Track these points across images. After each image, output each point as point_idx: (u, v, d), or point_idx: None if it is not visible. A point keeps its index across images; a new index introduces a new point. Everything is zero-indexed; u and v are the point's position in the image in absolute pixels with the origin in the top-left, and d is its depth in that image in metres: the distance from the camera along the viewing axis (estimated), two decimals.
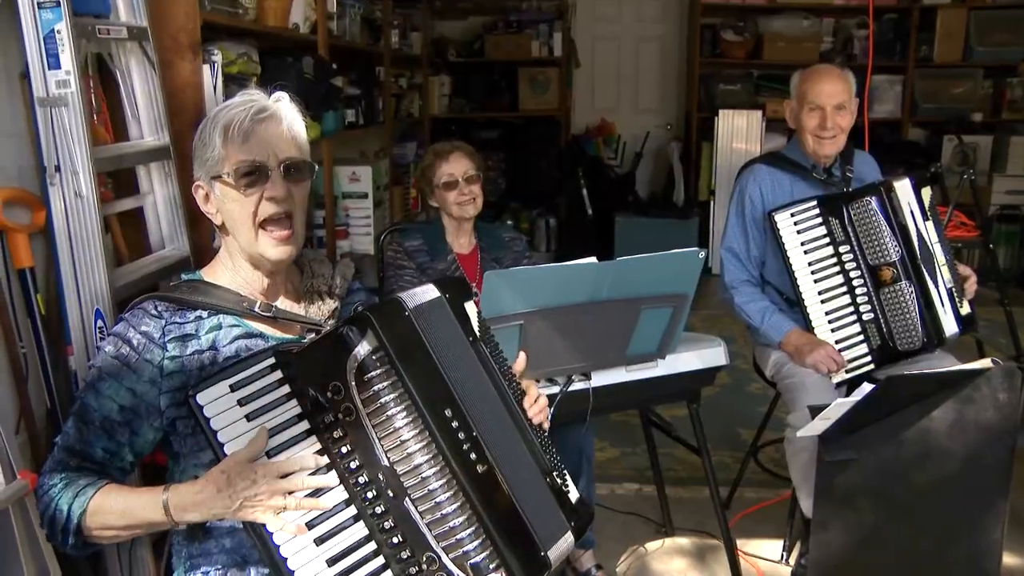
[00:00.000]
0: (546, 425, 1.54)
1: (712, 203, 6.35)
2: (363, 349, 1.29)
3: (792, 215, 2.50)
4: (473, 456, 1.33)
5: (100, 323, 2.12)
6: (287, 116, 1.50)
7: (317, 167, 1.58)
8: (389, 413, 1.30)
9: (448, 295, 1.45)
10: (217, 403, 1.31)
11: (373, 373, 1.29)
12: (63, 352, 2.17)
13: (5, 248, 2.08)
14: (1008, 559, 2.44)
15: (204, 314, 1.48)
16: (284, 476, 1.29)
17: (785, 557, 2.72)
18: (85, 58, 2.24)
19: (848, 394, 2.50)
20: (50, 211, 2.07)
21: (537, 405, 1.53)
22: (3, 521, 1.75)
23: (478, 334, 1.49)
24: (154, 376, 1.42)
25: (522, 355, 1.61)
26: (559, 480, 1.50)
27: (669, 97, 7.15)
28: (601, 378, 2.15)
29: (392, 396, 1.30)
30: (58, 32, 1.99)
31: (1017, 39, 6.13)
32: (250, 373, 1.33)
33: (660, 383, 2.26)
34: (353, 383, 1.29)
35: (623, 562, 2.75)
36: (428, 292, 1.42)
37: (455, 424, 1.33)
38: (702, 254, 2.05)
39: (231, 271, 1.54)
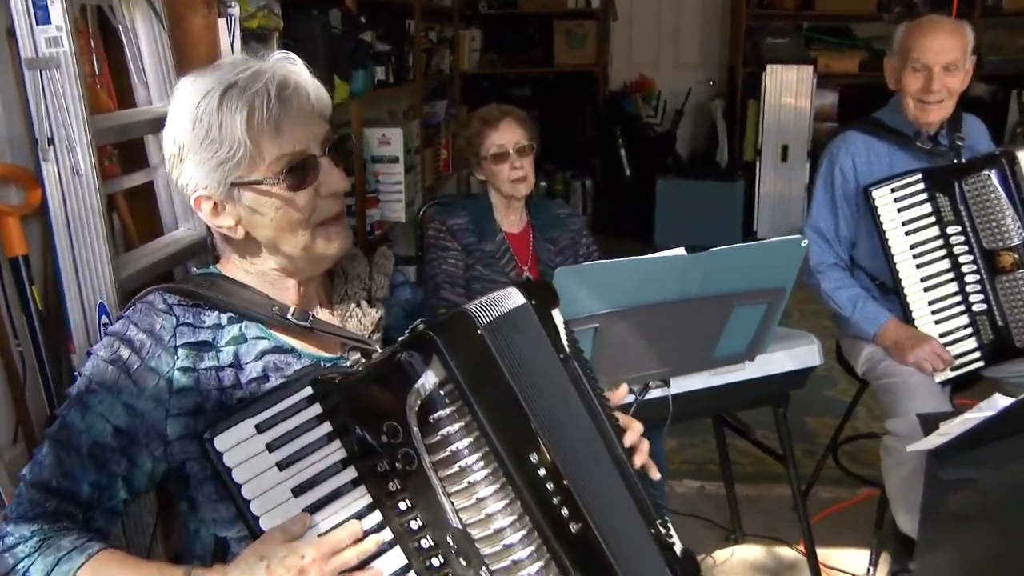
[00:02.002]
0: (654, 475, 1.25)
1: (758, 164, 6.02)
2: (428, 381, 1.01)
3: (892, 190, 2.18)
4: (565, 512, 1.05)
5: (105, 319, 1.85)
6: (308, 82, 1.17)
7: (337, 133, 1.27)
8: (462, 463, 1.02)
9: (534, 301, 1.15)
10: (240, 449, 1.04)
11: (441, 413, 1.01)
12: (64, 350, 1.92)
13: None
14: None
15: (224, 319, 1.18)
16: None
17: (872, 572, 2.44)
18: (82, 11, 1.95)
19: (952, 393, 2.21)
20: (45, 190, 1.79)
21: (641, 451, 1.24)
22: None
23: (568, 350, 1.20)
24: (159, 391, 1.12)
25: (623, 387, 1.31)
26: (664, 530, 1.23)
27: (712, 51, 6.77)
28: (681, 384, 1.86)
29: (466, 442, 1.02)
30: None
31: None
32: (281, 409, 1.06)
33: (746, 387, 1.97)
34: (415, 424, 1.01)
35: None
36: (510, 298, 1.12)
37: (543, 472, 1.05)
38: (804, 242, 1.74)
39: (252, 273, 1.23)
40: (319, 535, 1.04)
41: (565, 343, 1.21)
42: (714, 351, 1.83)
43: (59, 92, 1.73)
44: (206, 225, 1.22)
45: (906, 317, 2.21)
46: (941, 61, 2.16)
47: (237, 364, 1.16)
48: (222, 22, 2.23)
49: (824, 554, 2.47)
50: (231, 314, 1.18)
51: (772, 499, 2.82)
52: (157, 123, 2.02)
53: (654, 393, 1.84)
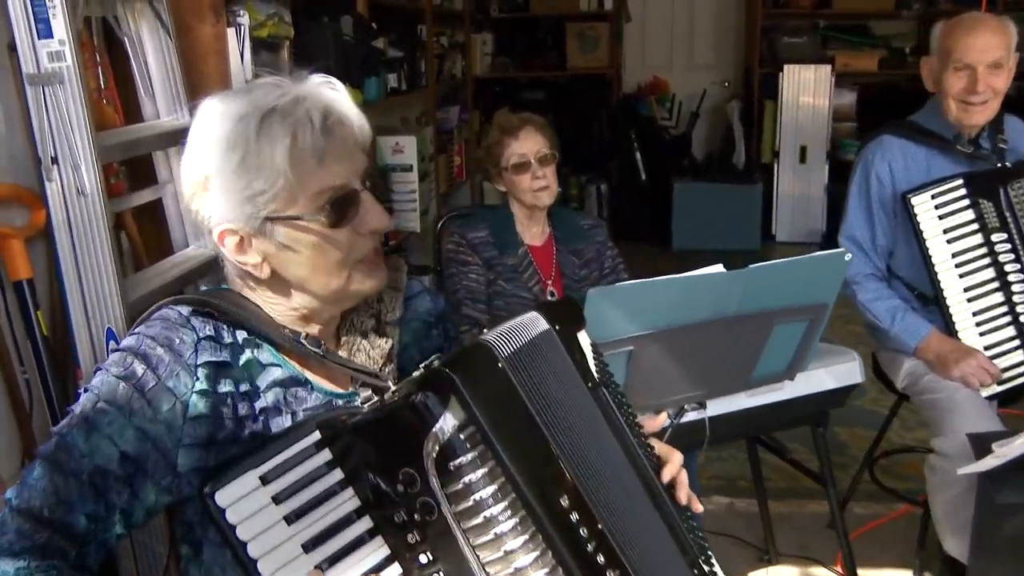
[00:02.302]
0: (696, 508, 1.16)
1: (776, 165, 5.93)
2: (447, 425, 0.91)
3: (933, 197, 2.08)
4: (602, 559, 0.96)
5: (113, 344, 1.77)
6: (352, 111, 1.07)
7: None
8: (487, 514, 0.92)
9: (559, 325, 1.05)
10: (244, 503, 0.95)
11: (463, 459, 0.91)
12: (71, 378, 1.84)
13: None
14: None
15: (239, 337, 1.07)
16: None
17: None
18: (87, 22, 1.87)
19: (999, 407, 2.11)
20: (49, 211, 1.71)
21: (681, 484, 1.15)
22: None
23: (597, 377, 1.11)
24: (174, 415, 1.01)
25: (663, 415, 1.22)
26: (706, 568, 1.13)
27: (727, 52, 6.68)
28: (717, 405, 1.77)
29: (490, 490, 0.92)
30: None
31: None
32: (288, 456, 0.97)
33: (785, 407, 1.88)
34: (434, 472, 0.91)
35: None
36: (532, 324, 1.03)
37: (575, 517, 0.95)
38: (848, 256, 1.65)
39: (270, 300, 1.12)
40: None
41: (594, 369, 1.11)
42: (753, 371, 1.74)
43: (62, 108, 1.66)
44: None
45: (949, 329, 2.11)
46: (986, 60, 2.06)
47: (253, 392, 1.06)
48: (231, 32, 2.16)
49: (863, 575, 2.38)
50: (245, 334, 1.08)
51: (805, 516, 2.72)
52: (165, 138, 1.96)
53: (689, 416, 1.75)
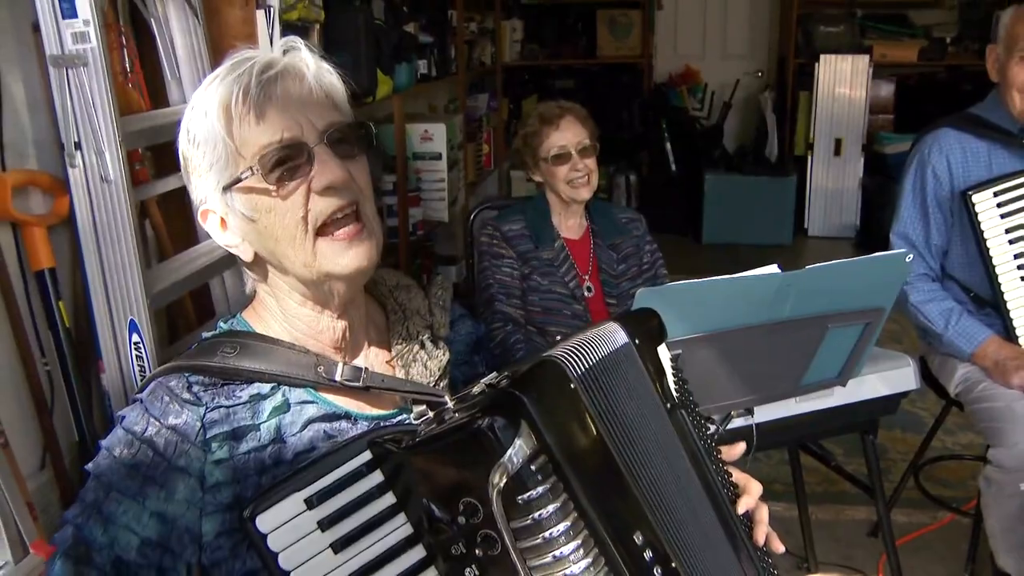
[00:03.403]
0: (777, 547, 1.07)
1: (809, 158, 5.81)
2: (517, 455, 0.81)
3: (995, 194, 1.98)
4: None
5: (136, 337, 1.71)
6: (309, 66, 0.99)
7: (375, 129, 1.06)
8: (556, 553, 0.83)
9: (638, 339, 0.97)
10: (287, 529, 0.87)
11: (532, 493, 0.82)
12: (94, 370, 1.78)
13: (19, 245, 1.67)
14: None
15: (264, 389, 1.00)
16: None
17: None
18: (112, 3, 1.81)
19: None
20: (72, 198, 1.65)
21: (761, 521, 1.06)
22: None
23: (677, 397, 1.02)
24: (191, 492, 0.95)
25: (741, 445, 1.14)
26: None
27: (761, 41, 6.55)
28: (765, 412, 1.68)
29: (562, 527, 0.83)
30: None
31: None
32: (336, 479, 0.90)
33: (834, 414, 1.80)
34: (498, 503, 0.82)
35: None
36: (609, 337, 0.94)
37: (649, 555, 0.87)
38: (910, 257, 1.55)
39: (284, 322, 1.05)
40: None
41: (673, 388, 1.03)
42: (804, 376, 1.65)
43: (86, 92, 1.59)
44: None
45: (1009, 334, 2.01)
46: None
47: (280, 439, 0.99)
48: (260, 14, 2.09)
49: None
50: (271, 382, 1.00)
51: (845, 523, 2.64)
52: None
53: (736, 423, 1.66)
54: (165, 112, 1.87)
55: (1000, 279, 1.98)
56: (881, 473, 2.03)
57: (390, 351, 1.10)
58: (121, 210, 1.64)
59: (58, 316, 1.71)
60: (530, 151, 2.17)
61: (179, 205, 2.00)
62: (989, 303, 2.05)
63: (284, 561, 0.87)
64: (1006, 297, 1.99)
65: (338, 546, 0.88)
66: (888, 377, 1.84)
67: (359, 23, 2.56)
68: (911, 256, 1.57)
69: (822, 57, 5.68)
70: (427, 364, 1.08)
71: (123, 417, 0.98)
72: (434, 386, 1.07)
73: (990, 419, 1.98)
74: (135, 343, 1.71)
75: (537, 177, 2.21)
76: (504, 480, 0.81)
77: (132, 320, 1.70)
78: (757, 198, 5.73)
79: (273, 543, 0.87)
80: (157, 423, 0.96)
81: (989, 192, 1.98)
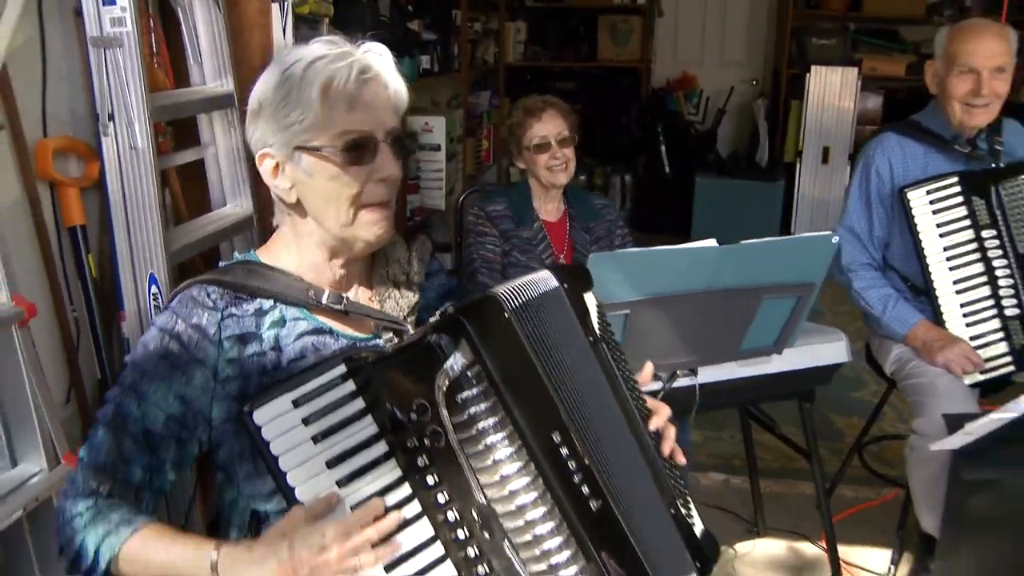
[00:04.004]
0: (680, 460, 1.29)
1: (798, 165, 5.98)
2: (456, 363, 1.06)
3: (928, 192, 2.20)
4: (586, 490, 1.09)
5: (154, 289, 1.93)
6: (392, 76, 1.22)
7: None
8: (487, 441, 1.06)
9: (567, 285, 1.19)
10: (278, 422, 1.09)
11: (468, 393, 1.06)
12: (115, 318, 2.00)
13: (55, 203, 1.90)
14: None
15: (265, 305, 1.23)
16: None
17: (893, 571, 2.45)
18: None
19: (982, 397, 2.22)
20: (103, 164, 1.87)
21: (667, 437, 1.28)
22: (46, 514, 1.58)
23: (599, 333, 1.24)
24: (206, 380, 1.19)
25: (649, 366, 1.35)
26: (684, 511, 1.26)
27: (757, 51, 6.73)
28: (709, 373, 1.90)
29: (491, 421, 1.06)
30: None
31: None
32: (317, 384, 1.11)
33: (773, 380, 2.00)
34: (443, 403, 1.06)
35: None
36: (542, 282, 1.16)
37: (565, 452, 1.09)
38: (835, 239, 1.77)
39: (295, 255, 1.28)
40: (351, 507, 1.09)
41: (596, 326, 1.24)
42: (742, 343, 1.87)
43: (121, 70, 1.81)
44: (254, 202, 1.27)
45: (937, 319, 2.22)
46: (990, 65, 2.17)
47: (278, 347, 1.21)
48: (275, 7, 2.30)
49: (846, 551, 2.50)
50: (271, 299, 1.23)
51: (796, 495, 2.85)
52: (210, 102, 2.11)
53: (682, 382, 1.88)
54: (187, 91, 2.09)
55: (931, 269, 2.20)
56: (826, 448, 2.24)
57: (371, 289, 1.33)
58: (147, 175, 1.86)
59: (87, 268, 1.94)
60: (514, 140, 2.39)
61: (196, 176, 2.22)
62: (923, 291, 2.26)
63: (275, 448, 1.09)
64: (935, 286, 2.20)
65: (318, 438, 1.10)
66: (822, 349, 2.05)
67: (365, 18, 2.79)
68: (836, 238, 1.79)
69: (813, 68, 5.84)
70: (399, 301, 1.31)
71: (155, 321, 1.22)
72: (404, 320, 1.29)
73: (916, 393, 2.20)
74: (153, 294, 1.93)
75: (520, 164, 2.43)
76: (447, 383, 1.05)
77: (152, 274, 1.92)
78: (746, 202, 5.92)
79: (266, 433, 1.09)
80: (183, 322, 1.19)
81: (923, 190, 2.19)
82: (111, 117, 1.84)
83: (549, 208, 2.44)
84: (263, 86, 1.21)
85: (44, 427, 1.59)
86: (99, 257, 1.99)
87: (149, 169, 1.85)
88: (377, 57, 1.22)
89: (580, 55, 6.40)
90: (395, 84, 1.23)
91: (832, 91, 5.88)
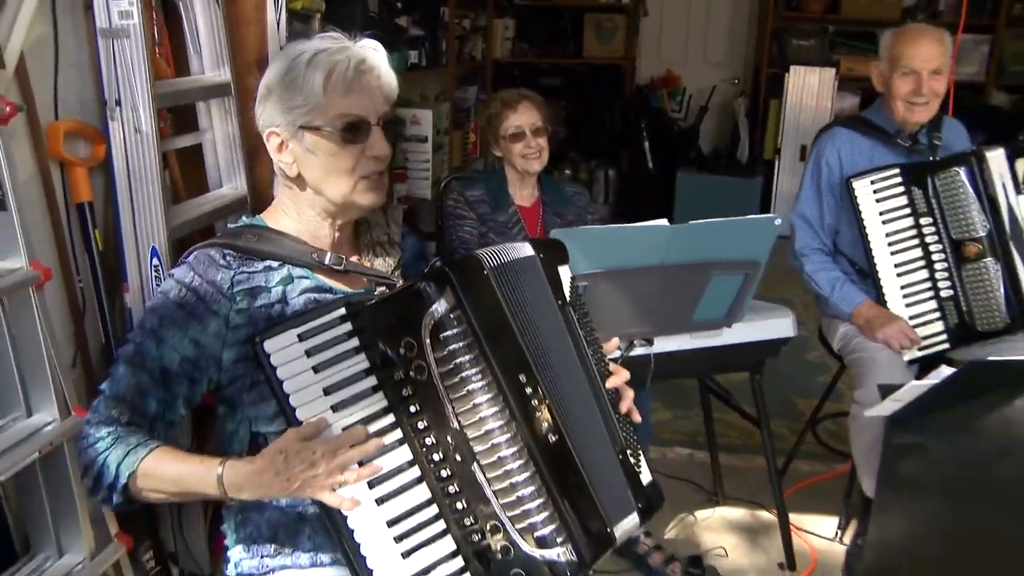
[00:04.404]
0: (636, 418, 1.47)
1: (777, 162, 6.18)
2: (440, 307, 1.25)
3: (872, 183, 2.38)
4: (545, 426, 1.28)
5: (156, 261, 2.09)
6: (385, 67, 1.42)
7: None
8: (463, 375, 1.25)
9: (543, 255, 1.39)
10: (284, 352, 1.26)
11: (449, 332, 1.25)
12: (119, 289, 2.16)
13: (65, 182, 2.06)
14: None
15: (273, 264, 1.41)
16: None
17: (839, 535, 2.64)
18: None
19: (920, 373, 2.40)
20: (110, 146, 2.03)
21: (625, 397, 1.46)
22: (58, 458, 1.75)
23: (568, 299, 1.42)
24: (219, 329, 1.36)
25: (614, 340, 1.53)
26: (632, 460, 1.43)
27: (738, 50, 6.93)
28: (664, 344, 2.08)
29: (468, 357, 1.25)
30: None
31: None
32: (319, 323, 1.28)
33: (724, 352, 2.18)
34: (428, 341, 1.25)
35: (671, 529, 2.70)
36: (521, 249, 1.36)
37: (529, 391, 1.27)
38: (778, 221, 1.95)
39: (295, 221, 1.46)
40: (343, 429, 1.26)
41: (567, 292, 1.43)
42: (694, 315, 2.04)
43: (128, 59, 1.97)
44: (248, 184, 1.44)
45: (880, 300, 2.40)
46: (929, 67, 2.35)
47: (284, 300, 1.39)
48: (270, 3, 2.46)
49: (798, 519, 2.68)
50: (279, 261, 1.41)
51: (755, 468, 3.02)
52: (209, 91, 2.28)
53: (639, 350, 2.05)
54: (188, 80, 2.25)
55: (874, 253, 2.38)
56: (767, 409, 2.41)
57: (359, 251, 1.51)
58: (150, 156, 2.02)
59: (93, 242, 2.10)
60: (492, 130, 2.57)
61: (193, 160, 2.38)
62: (868, 275, 2.45)
63: (280, 373, 1.25)
64: (878, 269, 2.38)
65: (318, 368, 1.27)
66: (769, 324, 2.23)
67: (355, 14, 2.95)
68: (779, 220, 1.97)
69: (792, 68, 6.02)
70: (386, 259, 1.51)
71: (172, 273, 1.40)
72: (392, 275, 1.47)
73: (858, 367, 2.38)
74: (155, 266, 2.09)
75: (498, 152, 2.60)
76: (432, 323, 1.24)
77: (154, 247, 2.08)
78: (726, 197, 6.09)
79: (274, 360, 1.25)
80: (200, 277, 1.37)
81: (867, 180, 2.37)
82: (118, 102, 2.00)
83: (524, 194, 2.61)
84: (272, 73, 1.40)
85: (57, 381, 1.75)
86: (104, 232, 2.14)
87: (152, 151, 2.01)
88: (372, 51, 1.41)
89: (566, 52, 6.57)
90: (387, 75, 1.42)
91: (810, 91, 6.06)
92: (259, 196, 2.46)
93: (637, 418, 1.49)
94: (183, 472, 1.30)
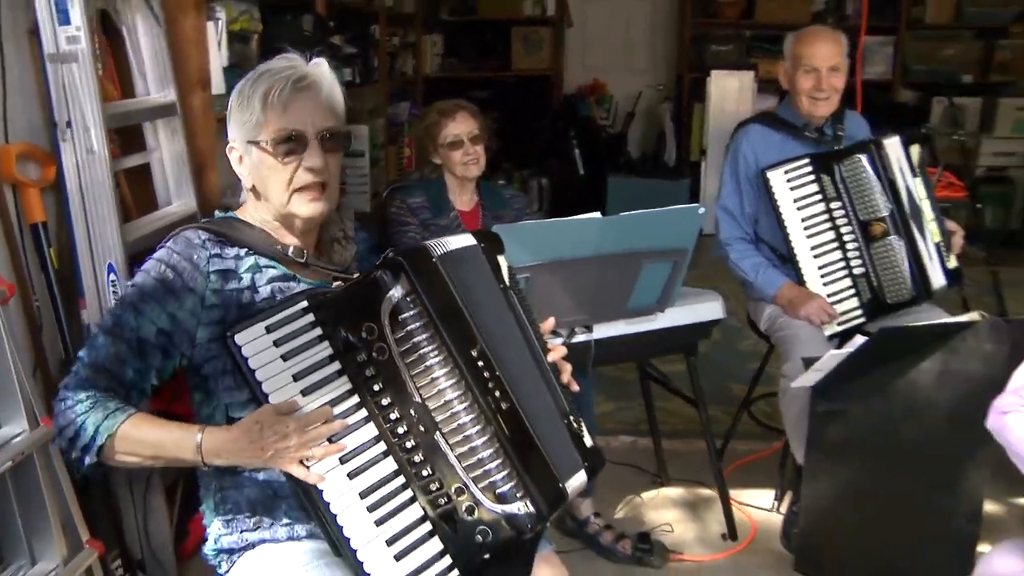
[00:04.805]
0: (574, 387, 1.60)
1: (703, 163, 6.39)
2: (397, 292, 1.37)
3: (785, 172, 2.56)
4: (497, 394, 1.41)
5: (112, 277, 2.16)
6: (326, 84, 1.51)
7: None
8: (421, 352, 1.38)
9: (483, 245, 1.52)
10: (255, 343, 1.36)
11: (407, 314, 1.37)
12: (75, 304, 2.22)
13: (18, 203, 2.11)
14: (989, 506, 2.54)
15: (242, 252, 1.50)
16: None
17: (776, 506, 2.81)
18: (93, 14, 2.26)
19: (840, 346, 2.59)
20: (62, 166, 2.10)
21: (564, 369, 1.59)
22: (28, 467, 1.81)
23: (508, 284, 1.55)
24: (195, 306, 1.44)
25: (551, 319, 1.66)
26: (575, 425, 1.56)
27: (661, 57, 7.15)
28: (603, 330, 2.22)
29: (424, 336, 1.38)
30: None
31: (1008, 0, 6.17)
32: (284, 316, 1.38)
33: (659, 336, 2.33)
34: (387, 324, 1.37)
35: (620, 510, 2.84)
36: (464, 240, 1.50)
37: (480, 364, 1.40)
38: (701, 210, 2.11)
39: (264, 219, 1.56)
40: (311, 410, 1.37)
41: (506, 278, 1.56)
42: (628, 302, 2.19)
43: (77, 82, 2.05)
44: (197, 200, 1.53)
45: (799, 280, 2.58)
46: (827, 65, 2.56)
47: (253, 287, 1.49)
48: (210, 24, 2.56)
49: (737, 494, 2.84)
50: (248, 249, 1.51)
51: (695, 451, 3.16)
52: (155, 111, 2.36)
53: (579, 337, 2.19)
54: (136, 101, 2.33)
55: (791, 238, 2.56)
56: (703, 388, 2.58)
57: (320, 247, 1.62)
58: (103, 175, 2.09)
59: (49, 260, 2.16)
60: (431, 139, 2.68)
61: (141, 179, 2.46)
62: (788, 259, 2.63)
63: (252, 363, 1.35)
64: (796, 252, 2.56)
65: (287, 357, 1.37)
66: (700, 308, 2.39)
67: (291, 34, 3.05)
68: (702, 209, 2.13)
69: (713, 73, 6.25)
70: (342, 254, 1.62)
71: (154, 251, 1.49)
72: (349, 269, 1.59)
73: (783, 344, 2.56)
74: (112, 281, 2.16)
75: (437, 160, 2.72)
76: (390, 307, 1.36)
77: (110, 263, 2.15)
78: (654, 198, 6.12)
79: (245, 351, 1.35)
80: (178, 255, 1.46)
81: (781, 170, 2.56)
82: (69, 124, 2.08)
83: (463, 199, 2.74)
84: (233, 93, 1.52)
85: (25, 393, 1.82)
86: (59, 250, 2.21)
87: (105, 170, 2.09)
88: (315, 68, 1.51)
89: (495, 65, 6.72)
90: (329, 91, 1.52)
91: (731, 94, 6.29)
92: (208, 211, 2.54)
93: (575, 388, 1.62)
94: (162, 437, 1.39)
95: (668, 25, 7.05)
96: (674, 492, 2.96)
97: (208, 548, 1.54)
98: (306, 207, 1.51)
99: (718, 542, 2.67)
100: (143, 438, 1.39)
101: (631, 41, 7.14)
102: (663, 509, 2.86)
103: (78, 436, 1.37)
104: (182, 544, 2.47)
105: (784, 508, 2.75)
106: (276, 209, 1.53)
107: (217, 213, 1.60)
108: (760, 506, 2.84)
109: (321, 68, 1.52)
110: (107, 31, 2.36)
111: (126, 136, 2.43)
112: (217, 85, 2.57)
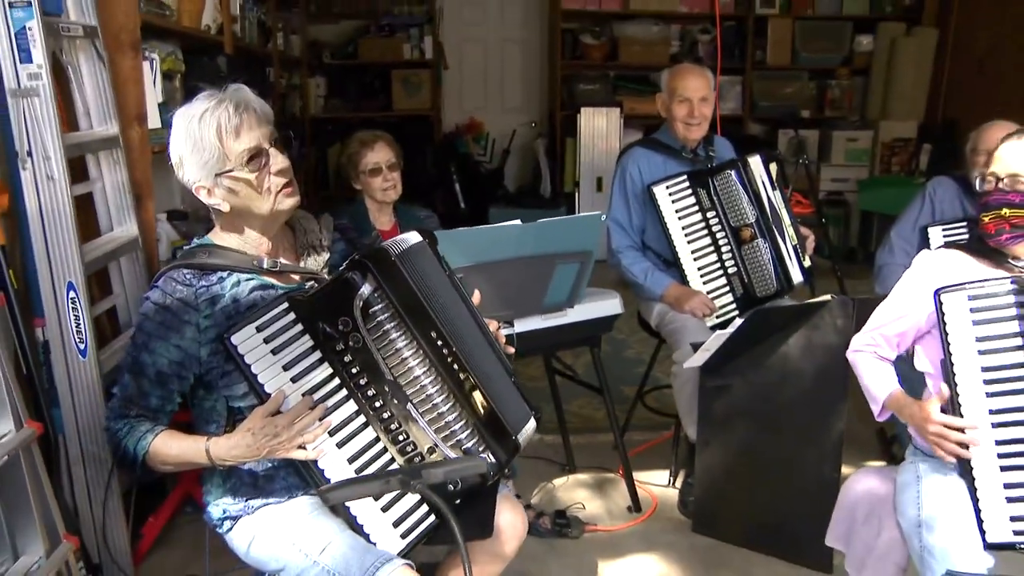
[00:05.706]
0: (510, 350, 1.89)
1: (576, 194, 6.82)
2: (366, 289, 1.61)
3: (667, 188, 2.97)
4: (456, 367, 1.68)
5: (72, 294, 2.32)
6: (255, 100, 1.72)
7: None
8: (391, 338, 1.64)
9: (428, 240, 1.80)
10: (248, 342, 1.60)
11: (376, 308, 1.62)
12: (31, 323, 2.36)
13: None
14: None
15: (224, 274, 1.71)
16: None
17: (672, 481, 3.18)
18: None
19: None
20: (22, 194, 2.26)
21: (499, 338, 1.89)
22: (14, 466, 1.96)
23: (450, 271, 1.84)
24: (194, 334, 1.67)
25: (477, 292, 1.94)
26: (517, 381, 1.86)
27: (533, 96, 7.61)
28: (521, 325, 2.54)
29: (392, 324, 1.63)
30: (29, 29, 2.20)
31: (834, 46, 7.02)
32: (270, 316, 1.61)
33: (569, 329, 2.67)
34: (360, 317, 1.62)
35: (535, 495, 3.14)
36: (412, 237, 1.76)
37: (440, 343, 1.67)
38: (604, 217, 2.47)
39: (237, 238, 1.76)
40: (303, 393, 1.62)
41: (448, 266, 1.85)
42: (543, 299, 2.52)
43: (38, 116, 2.23)
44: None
45: (683, 281, 2.98)
46: (698, 95, 2.99)
47: (237, 300, 1.70)
48: (145, 64, 2.77)
49: (637, 475, 3.19)
50: (228, 271, 1.73)
51: (599, 443, 3.52)
52: (101, 143, 2.54)
53: (503, 331, 2.49)
54: (86, 133, 2.50)
55: (675, 244, 2.96)
56: (606, 376, 2.93)
57: (295, 253, 1.85)
58: (63, 200, 2.27)
59: (9, 281, 2.30)
60: (352, 166, 2.96)
61: (83, 206, 2.61)
62: (672, 263, 3.03)
63: (247, 359, 1.59)
64: (679, 256, 2.97)
65: (276, 351, 1.61)
66: (602, 304, 2.74)
67: (209, 73, 3.27)
68: (605, 216, 2.49)
69: (583, 110, 6.72)
70: (316, 259, 1.85)
71: (148, 296, 1.69)
72: (320, 272, 1.82)
73: (673, 335, 2.94)
74: (71, 298, 2.32)
75: (358, 185, 3.00)
76: (361, 303, 1.61)
77: (70, 282, 2.31)
78: None
79: (241, 349, 1.59)
80: (171, 297, 1.67)
81: (664, 186, 2.97)
82: (29, 154, 2.25)
83: (383, 220, 3.02)
84: (176, 143, 1.70)
85: (12, 396, 1.97)
86: (15, 272, 2.35)
87: (65, 195, 2.27)
88: (242, 92, 1.72)
89: (377, 106, 6.99)
90: (260, 104, 1.73)
91: (600, 129, 6.77)
92: (147, 236, 2.73)
93: (511, 350, 1.91)
94: (182, 448, 1.66)
95: (539, 66, 7.52)
96: (582, 477, 3.28)
97: (215, 516, 1.77)
98: (289, 200, 1.73)
99: (625, 514, 3.01)
100: (167, 452, 1.66)
101: (504, 82, 7.57)
102: (574, 491, 3.18)
103: (126, 456, 1.67)
104: (136, 547, 2.62)
105: (679, 483, 3.12)
106: (260, 216, 1.74)
107: (195, 240, 1.80)
108: (658, 483, 3.20)
109: (244, 90, 1.72)
110: (53, 69, 2.53)
111: (73, 166, 2.58)
112: (153, 120, 2.77)
